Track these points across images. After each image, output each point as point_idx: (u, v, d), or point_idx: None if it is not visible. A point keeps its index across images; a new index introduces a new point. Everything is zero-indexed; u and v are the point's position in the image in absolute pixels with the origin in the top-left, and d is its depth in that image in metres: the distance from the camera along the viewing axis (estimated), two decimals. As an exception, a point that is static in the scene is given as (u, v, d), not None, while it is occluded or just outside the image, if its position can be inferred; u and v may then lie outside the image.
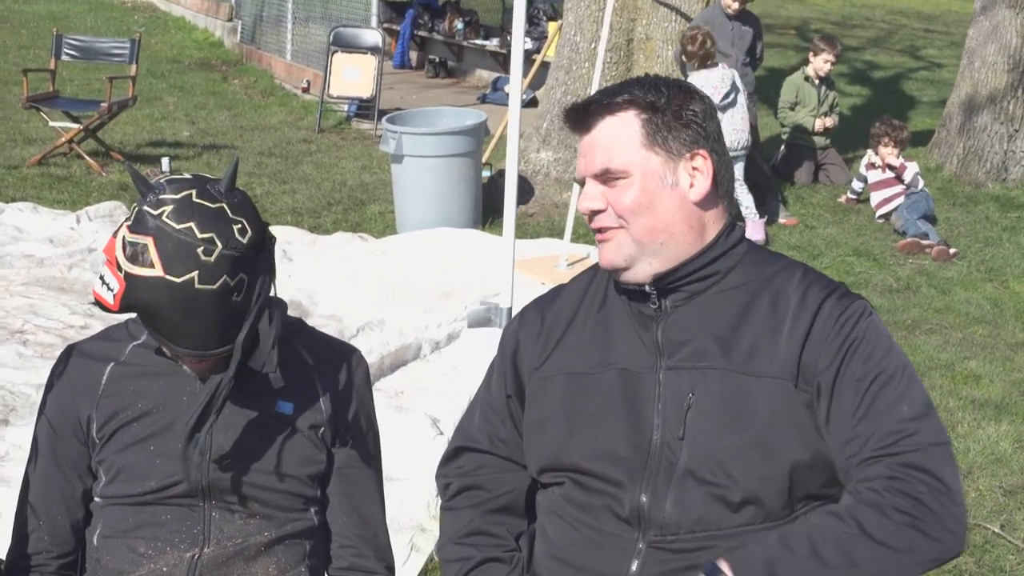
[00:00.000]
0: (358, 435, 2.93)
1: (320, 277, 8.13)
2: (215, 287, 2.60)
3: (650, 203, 2.53)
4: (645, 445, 2.50)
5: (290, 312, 7.00)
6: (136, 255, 2.59)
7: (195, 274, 2.58)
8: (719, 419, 2.45)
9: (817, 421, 2.44)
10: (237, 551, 2.77)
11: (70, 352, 2.91)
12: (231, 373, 2.68)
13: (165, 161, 10.97)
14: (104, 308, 2.67)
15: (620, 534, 2.51)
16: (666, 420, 2.49)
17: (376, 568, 2.95)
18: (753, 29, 10.32)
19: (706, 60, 9.42)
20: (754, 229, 9.47)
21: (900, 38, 21.17)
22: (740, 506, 2.44)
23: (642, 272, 2.55)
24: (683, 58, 9.57)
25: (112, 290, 2.63)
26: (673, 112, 2.54)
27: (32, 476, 2.87)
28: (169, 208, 2.59)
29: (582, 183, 2.60)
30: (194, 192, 2.62)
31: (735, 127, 9.46)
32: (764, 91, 9.48)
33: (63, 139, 11.31)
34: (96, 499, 2.84)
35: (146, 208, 2.61)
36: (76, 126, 11.43)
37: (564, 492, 2.61)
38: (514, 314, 3.04)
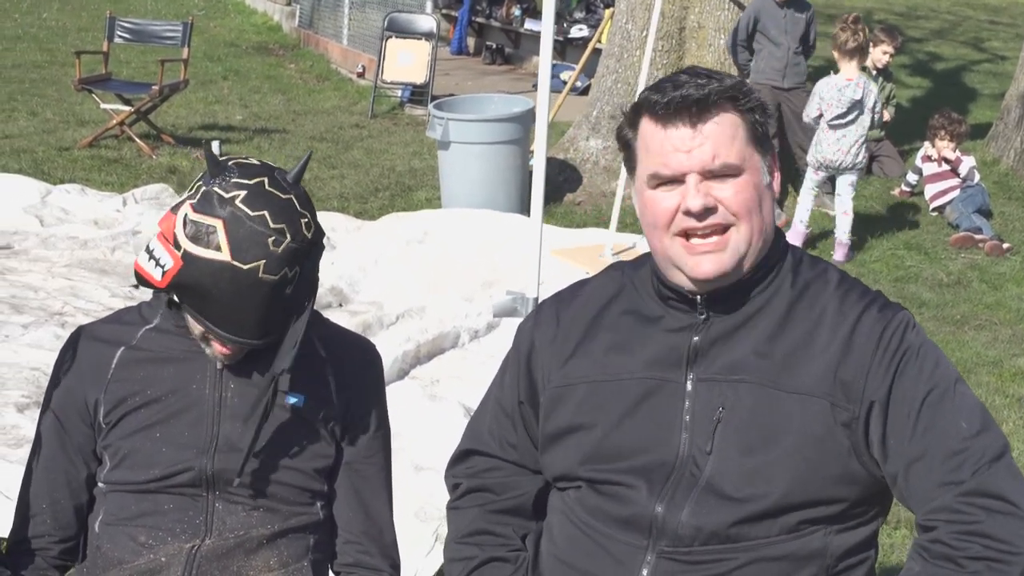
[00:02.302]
0: (368, 431, 2.90)
1: (363, 263, 8.10)
2: (276, 278, 2.59)
3: (758, 202, 2.45)
4: (671, 457, 2.44)
5: (331, 299, 6.99)
6: (200, 235, 2.57)
7: (262, 263, 2.57)
8: (748, 437, 2.40)
9: (866, 439, 2.39)
10: (238, 543, 2.74)
11: (80, 334, 2.88)
12: (287, 361, 2.67)
13: (215, 144, 10.99)
14: (146, 284, 2.66)
15: (629, 542, 2.45)
16: (694, 433, 2.44)
17: (381, 565, 2.90)
18: (806, 16, 10.17)
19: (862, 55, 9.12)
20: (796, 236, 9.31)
21: (964, 30, 20.87)
22: (759, 522, 2.39)
23: (734, 277, 2.46)
24: (835, 52, 9.22)
25: (163, 267, 2.61)
26: (763, 107, 2.48)
27: (37, 458, 2.85)
28: (243, 193, 2.57)
29: (671, 181, 2.43)
30: (266, 180, 2.61)
31: (840, 147, 9.01)
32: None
33: (114, 121, 11.36)
34: (100, 484, 2.82)
35: (216, 190, 2.58)
36: (128, 108, 11.48)
37: (579, 496, 2.55)
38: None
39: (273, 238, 2.56)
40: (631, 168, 2.54)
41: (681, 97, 2.39)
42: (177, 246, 2.58)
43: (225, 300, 2.59)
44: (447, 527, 2.78)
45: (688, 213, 2.40)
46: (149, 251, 2.64)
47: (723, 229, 2.42)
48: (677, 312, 2.51)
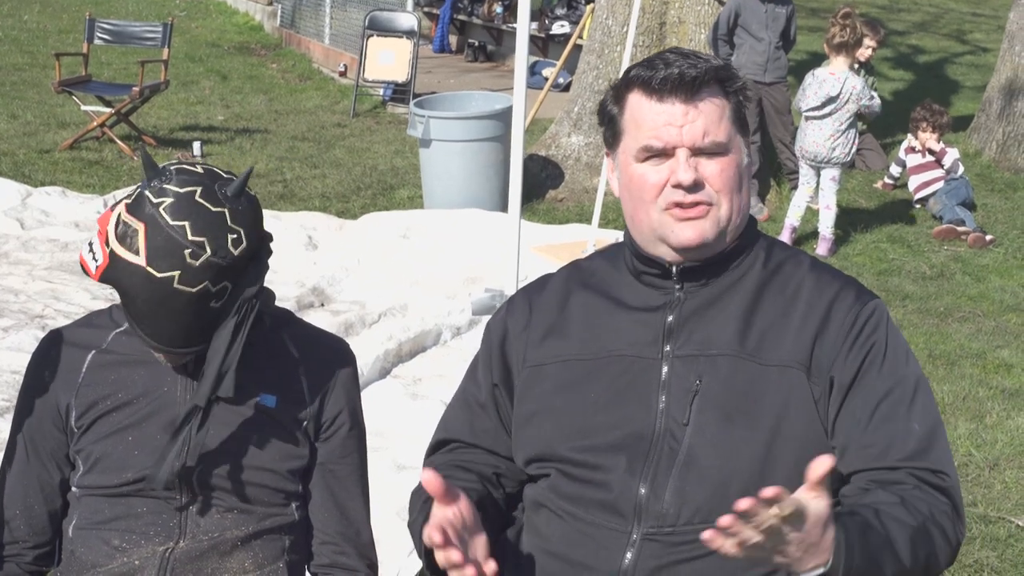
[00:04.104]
0: (342, 430, 2.87)
1: (345, 263, 8.08)
2: (193, 291, 2.56)
3: (740, 182, 2.51)
4: (647, 433, 2.45)
5: (312, 299, 6.97)
6: (125, 236, 2.55)
7: (176, 274, 2.53)
8: (726, 407, 2.42)
9: (824, 415, 2.43)
10: (212, 545, 2.72)
11: (51, 338, 2.86)
12: (205, 394, 2.63)
13: (197, 145, 10.97)
14: (86, 274, 2.64)
15: (612, 526, 2.43)
16: (670, 406, 2.45)
17: (357, 566, 2.88)
18: (787, 11, 10.17)
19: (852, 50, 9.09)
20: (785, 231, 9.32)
21: (947, 22, 20.94)
22: (741, 497, 2.35)
23: (713, 248, 2.50)
24: (824, 46, 9.20)
25: (96, 261, 2.60)
26: (746, 90, 2.55)
27: (10, 464, 2.83)
28: (168, 200, 2.54)
29: (660, 155, 2.47)
30: (199, 190, 2.56)
31: (816, 140, 9.03)
32: (803, 75, 9.31)
33: (95, 123, 11.34)
34: (73, 489, 2.79)
35: (147, 193, 2.56)
36: (108, 110, 11.46)
37: (551, 484, 2.54)
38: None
39: (190, 250, 2.53)
40: (614, 143, 2.58)
41: (678, 74, 2.43)
42: (107, 243, 2.57)
43: (143, 305, 2.58)
44: None
45: (678, 186, 2.44)
46: (89, 243, 2.63)
47: (707, 204, 2.46)
48: (651, 290, 2.55)
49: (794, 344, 2.44)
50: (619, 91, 2.55)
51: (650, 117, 2.47)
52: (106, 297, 7.09)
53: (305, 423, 2.80)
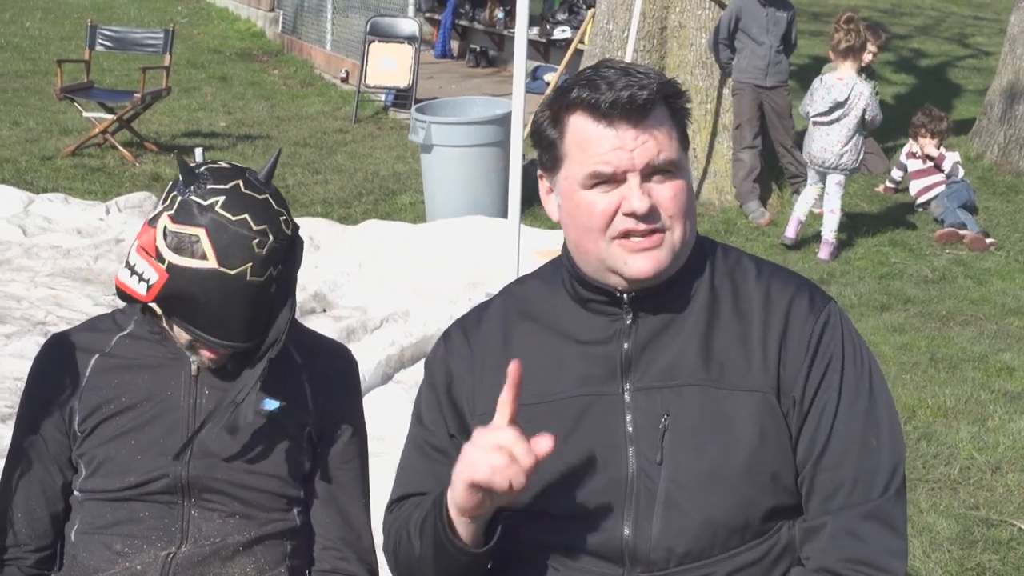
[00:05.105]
0: (344, 436, 2.87)
1: (347, 268, 8.09)
2: (263, 279, 2.59)
3: (690, 204, 2.38)
4: (621, 475, 2.35)
5: (314, 304, 6.96)
6: (184, 246, 2.56)
7: (248, 266, 2.56)
8: (699, 439, 2.33)
9: (791, 431, 2.38)
10: (214, 550, 2.72)
11: (53, 342, 2.86)
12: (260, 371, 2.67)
13: (199, 151, 10.94)
14: (130, 299, 2.65)
15: (604, 573, 2.36)
16: (639, 445, 2.35)
17: (358, 571, 2.88)
18: (787, 15, 10.17)
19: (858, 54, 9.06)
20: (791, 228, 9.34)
21: (949, 26, 20.92)
22: (728, 531, 2.33)
23: (665, 275, 2.37)
24: (830, 52, 9.18)
25: (147, 281, 2.60)
26: (689, 109, 2.42)
27: (12, 468, 2.83)
28: (221, 199, 2.56)
29: (609, 181, 2.33)
30: (241, 183, 2.60)
31: (823, 145, 9.02)
32: (805, 79, 9.32)
33: (97, 130, 11.35)
34: (75, 493, 2.79)
35: (194, 198, 2.57)
36: (110, 117, 11.46)
37: (531, 536, 2.41)
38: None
39: (257, 240, 2.56)
40: (553, 168, 2.41)
41: (628, 96, 2.28)
42: (160, 259, 2.57)
43: (213, 307, 2.58)
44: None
45: (631, 214, 2.31)
46: (130, 266, 2.63)
47: (660, 231, 2.34)
48: (599, 318, 2.43)
49: (758, 365, 2.36)
50: (558, 113, 2.38)
51: (597, 141, 2.31)
52: (108, 303, 7.09)
53: (307, 429, 2.80)
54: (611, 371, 2.38)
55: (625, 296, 2.39)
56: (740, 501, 2.32)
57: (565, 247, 2.48)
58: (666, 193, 2.33)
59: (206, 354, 2.69)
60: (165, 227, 2.58)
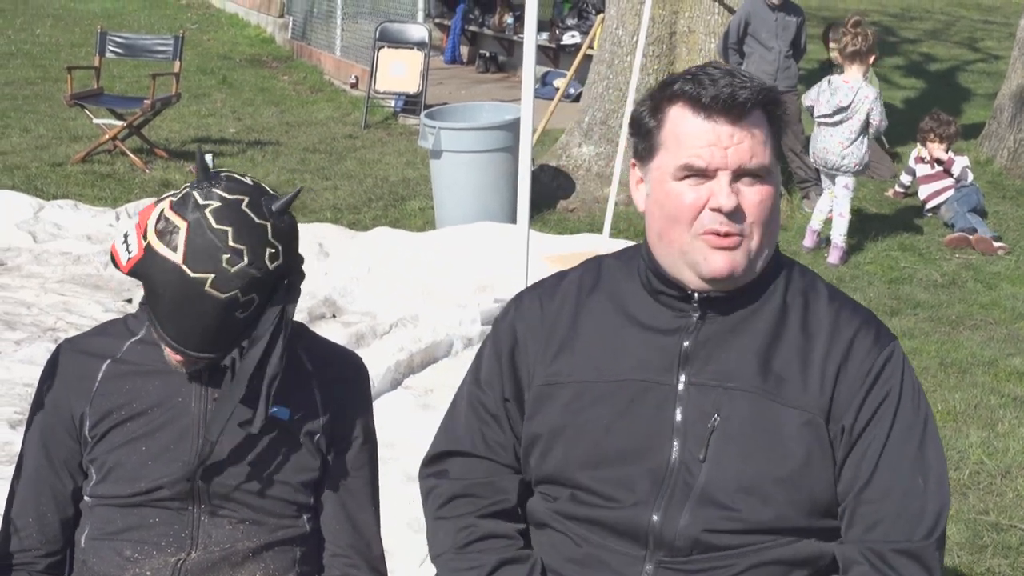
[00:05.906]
0: (355, 444, 2.87)
1: (356, 274, 8.08)
2: (223, 296, 2.56)
3: (774, 211, 2.41)
4: (661, 464, 2.39)
5: (324, 310, 6.96)
6: (166, 232, 2.56)
7: (210, 276, 2.54)
8: (747, 446, 2.36)
9: (836, 458, 2.40)
10: (224, 556, 2.72)
11: (64, 347, 2.86)
12: (233, 401, 2.65)
13: (208, 158, 10.97)
14: (115, 265, 2.65)
15: (626, 552, 2.40)
16: (685, 438, 2.39)
17: None
18: (797, 20, 10.17)
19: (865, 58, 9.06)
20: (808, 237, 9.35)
21: (958, 30, 20.92)
22: (757, 532, 2.36)
23: (741, 280, 2.41)
24: (838, 56, 9.19)
25: (130, 253, 2.61)
26: (786, 120, 2.47)
27: (23, 472, 2.83)
28: (215, 204, 2.56)
29: (700, 175, 2.36)
30: (246, 200, 2.59)
31: (826, 146, 9.05)
32: (813, 84, 9.32)
33: (107, 136, 11.36)
34: (86, 498, 2.80)
35: (195, 194, 2.58)
36: (120, 123, 11.48)
37: (560, 507, 2.49)
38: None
39: (228, 256, 2.54)
40: (647, 156, 2.46)
41: (729, 93, 2.33)
42: (145, 236, 2.58)
43: (170, 303, 2.58)
44: (433, 538, 2.66)
45: (717, 210, 2.34)
46: (125, 235, 2.64)
47: (739, 236, 2.36)
48: (667, 311, 2.46)
49: (815, 387, 2.38)
50: (659, 103, 2.42)
51: (694, 134, 2.35)
52: (118, 310, 7.11)
53: (317, 436, 2.80)
54: (669, 361, 2.42)
55: (696, 294, 2.42)
56: (775, 513, 2.35)
57: (646, 239, 2.51)
58: (753, 198, 2.36)
59: (168, 353, 2.68)
60: (162, 210, 2.59)
